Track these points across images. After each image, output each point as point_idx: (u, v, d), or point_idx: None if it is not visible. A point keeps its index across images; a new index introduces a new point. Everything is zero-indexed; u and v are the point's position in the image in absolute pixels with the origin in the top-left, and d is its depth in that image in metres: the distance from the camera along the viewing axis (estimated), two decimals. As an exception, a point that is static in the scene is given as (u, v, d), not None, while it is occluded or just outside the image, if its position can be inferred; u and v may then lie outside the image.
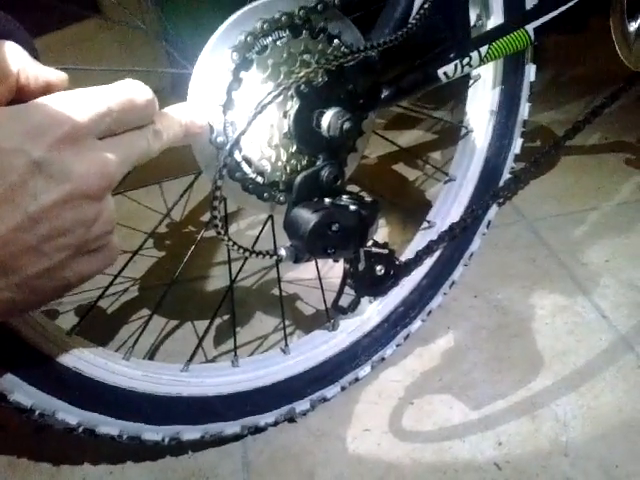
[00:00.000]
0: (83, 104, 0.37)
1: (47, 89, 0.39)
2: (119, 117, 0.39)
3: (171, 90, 1.88)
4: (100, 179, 0.37)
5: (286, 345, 0.82)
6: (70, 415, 0.65)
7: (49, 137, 0.35)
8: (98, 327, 1.01)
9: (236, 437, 0.82)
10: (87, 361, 0.66)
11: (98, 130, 0.38)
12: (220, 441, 0.82)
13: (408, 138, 1.51)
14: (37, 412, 0.63)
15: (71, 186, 0.36)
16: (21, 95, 0.39)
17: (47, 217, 0.35)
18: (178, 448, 0.81)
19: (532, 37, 0.73)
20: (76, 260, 0.39)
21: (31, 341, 0.61)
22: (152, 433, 0.72)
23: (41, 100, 0.37)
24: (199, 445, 0.81)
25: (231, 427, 0.79)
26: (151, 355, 0.95)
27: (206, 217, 1.26)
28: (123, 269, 0.80)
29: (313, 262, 0.91)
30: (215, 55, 0.54)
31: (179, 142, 0.46)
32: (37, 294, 0.38)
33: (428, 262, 0.91)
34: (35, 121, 0.35)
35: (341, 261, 0.70)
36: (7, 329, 0.59)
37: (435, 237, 0.82)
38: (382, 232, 1.20)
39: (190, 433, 0.76)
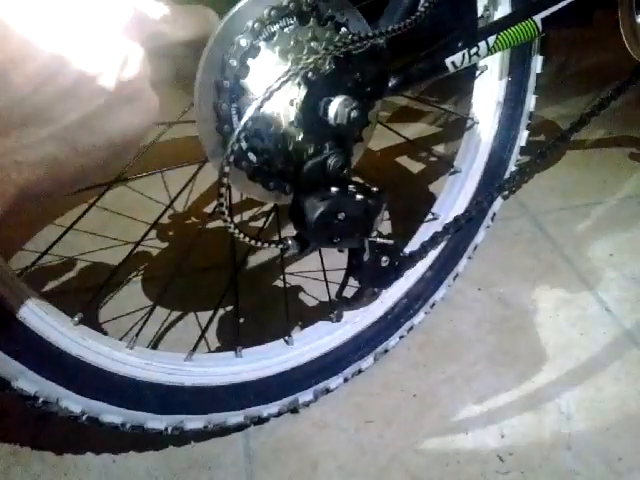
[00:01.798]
0: None
1: None
2: None
3: (174, 79, 1.88)
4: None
5: (289, 336, 0.82)
6: (74, 403, 0.65)
7: None
8: (102, 317, 1.01)
9: (239, 427, 0.82)
10: (91, 349, 0.66)
11: None
12: (223, 431, 0.82)
13: (413, 130, 1.50)
14: (41, 399, 0.63)
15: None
16: None
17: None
18: (181, 437, 0.81)
19: (540, 28, 0.73)
20: (113, 109, 0.38)
21: (36, 329, 0.61)
22: (155, 422, 0.72)
23: None
24: (202, 435, 0.81)
25: (234, 417, 0.79)
26: (154, 344, 0.95)
27: (209, 208, 1.26)
28: (126, 260, 0.80)
29: (317, 253, 0.91)
30: (223, 42, 0.54)
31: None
32: (78, 151, 0.38)
33: (432, 254, 0.91)
34: None
35: (345, 252, 0.70)
36: (12, 316, 0.59)
37: (440, 229, 0.81)
38: (386, 224, 1.19)
39: (193, 422, 0.76)
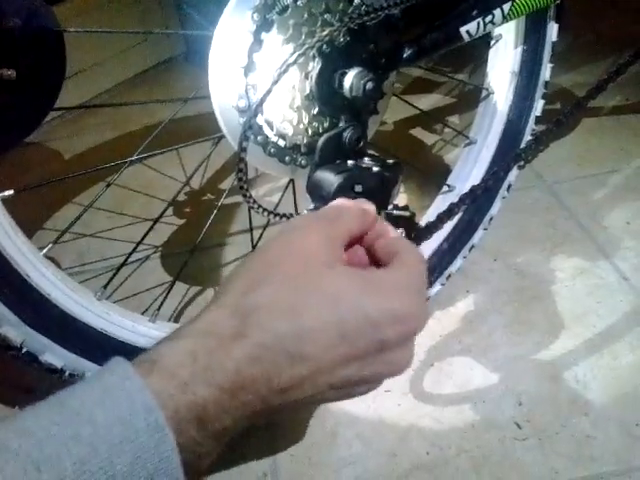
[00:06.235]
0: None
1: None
2: None
3: (185, 57, 1.87)
4: (402, 370, 0.42)
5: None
6: (100, 376, 0.67)
7: (402, 327, 0.39)
8: (122, 293, 1.03)
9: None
10: (115, 323, 0.67)
11: None
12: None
13: (426, 102, 1.49)
14: (67, 372, 0.65)
15: (382, 370, 0.40)
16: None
17: (350, 383, 0.39)
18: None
19: (556, -6, 0.72)
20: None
21: (61, 304, 0.62)
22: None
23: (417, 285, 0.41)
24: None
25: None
26: (175, 319, 0.97)
27: (225, 184, 1.26)
28: (145, 236, 0.81)
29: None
30: (236, 17, 0.54)
31: None
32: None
33: (448, 226, 0.91)
34: (405, 307, 0.39)
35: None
36: (38, 293, 0.60)
37: (455, 200, 0.81)
38: (401, 196, 1.19)
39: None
